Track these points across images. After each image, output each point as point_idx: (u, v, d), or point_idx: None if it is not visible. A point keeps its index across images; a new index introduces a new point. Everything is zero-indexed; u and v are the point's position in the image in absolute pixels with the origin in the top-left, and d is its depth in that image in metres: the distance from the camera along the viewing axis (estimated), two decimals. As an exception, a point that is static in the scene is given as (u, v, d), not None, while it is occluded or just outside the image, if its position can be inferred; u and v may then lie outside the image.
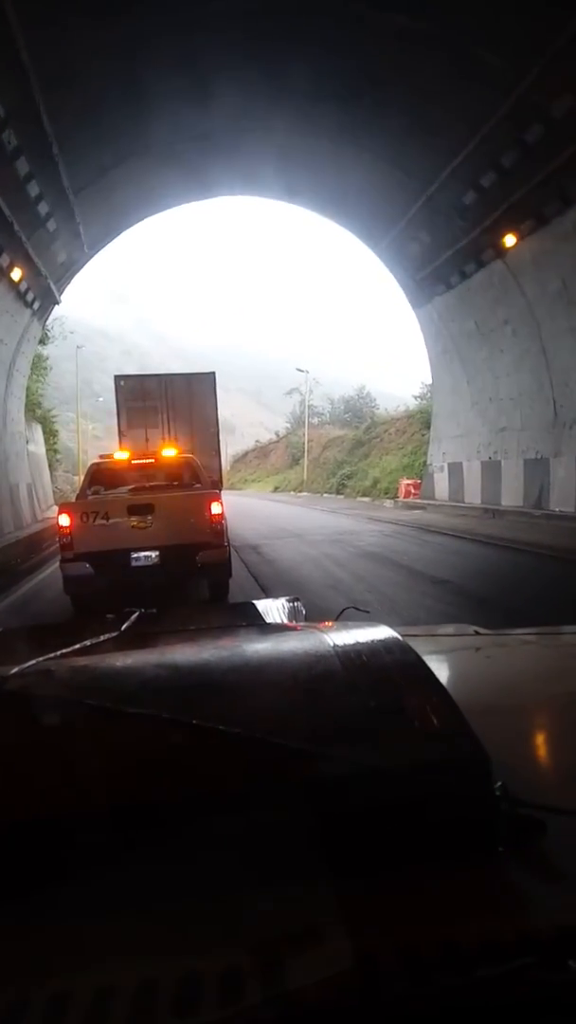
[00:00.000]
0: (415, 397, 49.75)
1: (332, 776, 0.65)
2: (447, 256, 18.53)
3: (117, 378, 17.42)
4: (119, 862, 0.61)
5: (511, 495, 19.16)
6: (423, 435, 33.94)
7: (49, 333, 24.96)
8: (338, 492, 37.82)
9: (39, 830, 0.62)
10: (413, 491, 28.22)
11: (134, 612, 1.22)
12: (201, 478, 9.57)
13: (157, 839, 0.62)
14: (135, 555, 7.73)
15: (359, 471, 37.76)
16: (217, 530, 8.14)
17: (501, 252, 16.69)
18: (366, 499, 32.52)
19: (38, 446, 28.44)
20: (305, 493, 42.63)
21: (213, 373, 17.01)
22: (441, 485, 23.83)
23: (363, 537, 15.73)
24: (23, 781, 0.66)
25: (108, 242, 20.82)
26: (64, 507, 8.38)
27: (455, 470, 22.73)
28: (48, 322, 26.49)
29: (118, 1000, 0.52)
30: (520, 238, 15.70)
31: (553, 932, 0.56)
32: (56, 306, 21.41)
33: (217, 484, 11.23)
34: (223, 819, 0.63)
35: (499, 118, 13.18)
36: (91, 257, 20.84)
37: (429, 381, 50.73)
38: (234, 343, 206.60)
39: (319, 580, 9.90)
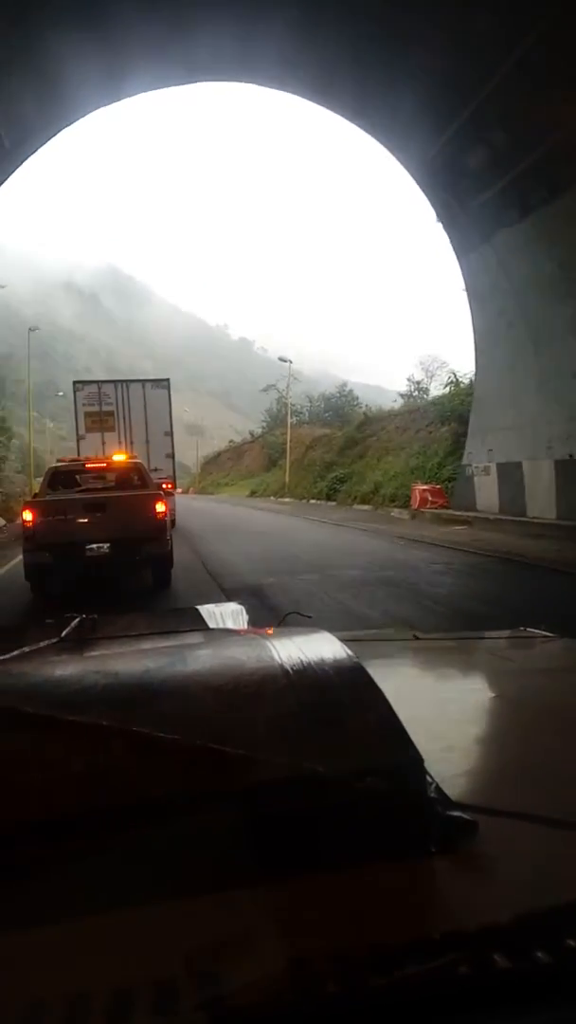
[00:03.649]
0: (401, 395, 44.77)
1: (268, 781, 0.65)
2: (532, 161, 12.79)
3: (75, 383, 18.50)
4: (49, 872, 0.61)
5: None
6: (431, 432, 28.67)
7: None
8: (328, 498, 32.57)
9: None
10: (431, 499, 22.95)
11: (75, 618, 1.23)
12: (147, 480, 10.43)
13: (92, 848, 0.62)
14: (89, 546, 8.61)
15: (354, 474, 32.50)
16: (160, 526, 9.04)
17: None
18: (365, 507, 27.27)
19: (-31, 441, 23.15)
20: (288, 499, 37.12)
21: (168, 379, 18.48)
22: (487, 492, 18.17)
23: (426, 576, 9.92)
24: None
25: (44, 139, 14.61)
26: (27, 505, 9.14)
27: (509, 472, 17.05)
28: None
29: (48, 1015, 0.51)
30: None
31: (479, 930, 0.56)
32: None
33: (158, 486, 11.27)
34: (159, 826, 0.64)
35: None
36: (18, 163, 14.63)
37: (419, 377, 45.94)
38: (204, 344, 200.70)
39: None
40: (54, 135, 14.73)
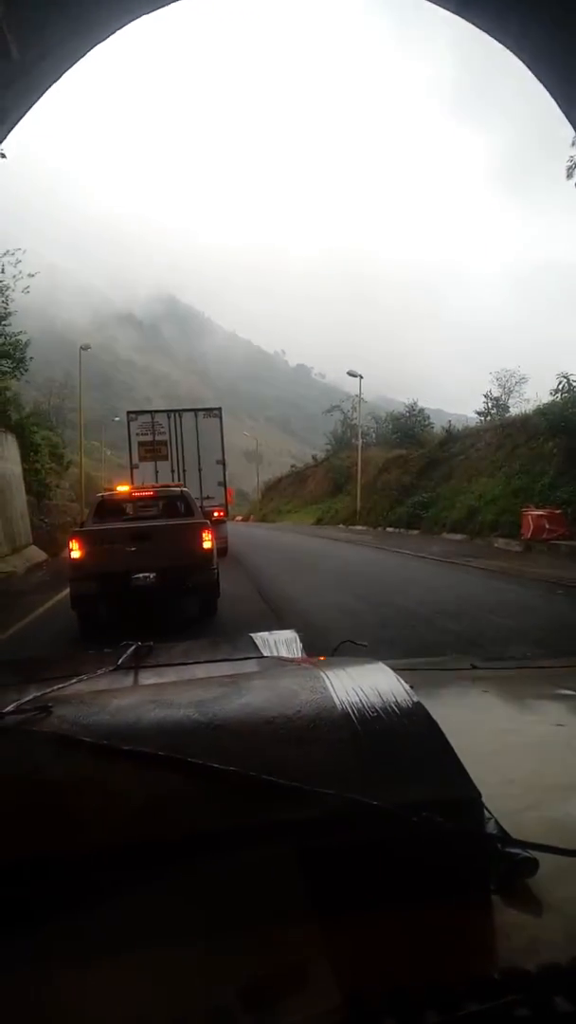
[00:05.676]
0: (478, 413, 40.40)
1: (322, 814, 0.64)
2: None
3: (129, 413, 18.82)
4: (109, 900, 0.61)
5: None
6: (533, 448, 24.23)
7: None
8: (409, 526, 28.34)
9: (33, 867, 0.61)
10: (548, 527, 18.68)
11: (131, 645, 1.27)
12: (194, 509, 10.21)
13: (150, 876, 0.62)
14: (136, 575, 8.44)
15: (440, 498, 28.26)
16: (206, 555, 8.80)
17: None
18: (458, 536, 22.99)
19: (5, 463, 20.50)
20: (360, 526, 32.96)
21: (219, 408, 18.63)
22: None
23: None
24: (20, 817, 0.65)
25: (69, 60, 11.14)
26: (74, 535, 9.02)
27: None
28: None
29: None
30: None
31: (539, 971, 0.55)
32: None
33: (207, 514, 11.05)
34: (216, 856, 0.63)
35: None
36: (38, 89, 11.17)
37: (496, 394, 41.33)
38: (262, 371, 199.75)
39: None
40: (82, 53, 11.26)
